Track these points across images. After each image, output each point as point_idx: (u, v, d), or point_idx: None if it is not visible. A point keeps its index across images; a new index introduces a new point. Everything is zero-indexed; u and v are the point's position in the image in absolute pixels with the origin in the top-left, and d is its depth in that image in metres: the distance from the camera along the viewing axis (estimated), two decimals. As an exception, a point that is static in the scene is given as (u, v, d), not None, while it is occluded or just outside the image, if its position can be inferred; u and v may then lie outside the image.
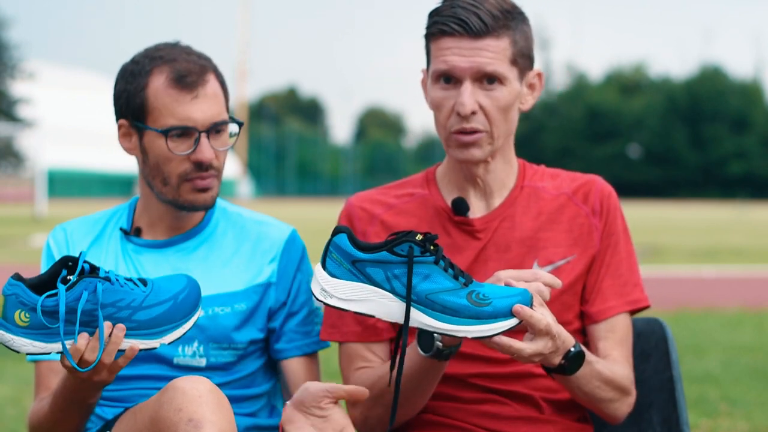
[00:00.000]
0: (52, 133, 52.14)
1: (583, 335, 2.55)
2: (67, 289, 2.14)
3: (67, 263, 2.18)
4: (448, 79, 2.43)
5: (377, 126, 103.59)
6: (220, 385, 2.54)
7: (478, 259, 2.51)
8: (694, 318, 9.72)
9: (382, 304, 2.13)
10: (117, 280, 2.19)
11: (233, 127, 2.61)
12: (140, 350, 2.19)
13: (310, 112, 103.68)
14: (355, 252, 2.12)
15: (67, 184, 57.24)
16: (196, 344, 2.56)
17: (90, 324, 2.16)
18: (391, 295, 2.12)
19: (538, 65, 2.53)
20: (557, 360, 2.25)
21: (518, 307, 2.12)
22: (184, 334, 2.22)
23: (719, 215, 43.82)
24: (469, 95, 2.41)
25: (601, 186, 2.57)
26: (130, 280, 2.21)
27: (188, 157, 2.53)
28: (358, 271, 2.12)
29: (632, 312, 2.56)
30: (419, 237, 2.12)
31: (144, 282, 2.21)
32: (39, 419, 2.48)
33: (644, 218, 35.75)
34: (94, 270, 2.18)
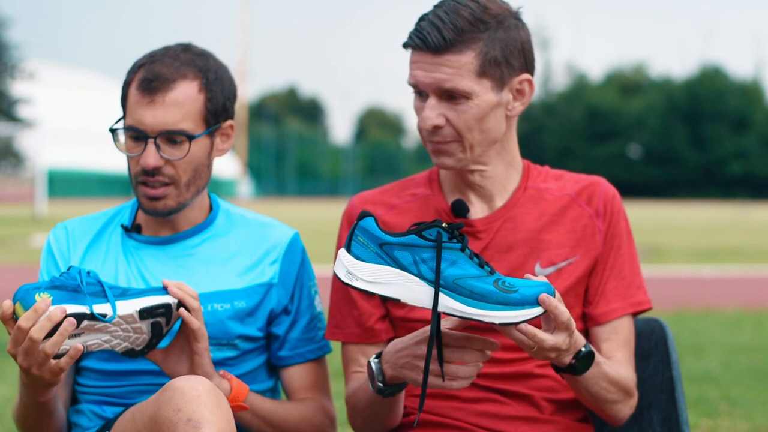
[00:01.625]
0: (52, 133, 52.12)
1: (586, 337, 2.55)
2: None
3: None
4: (418, 91, 2.44)
5: (377, 126, 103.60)
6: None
7: (478, 259, 2.50)
8: (694, 318, 9.71)
9: (409, 288, 2.11)
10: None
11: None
12: (158, 307, 2.30)
13: (310, 112, 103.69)
14: (383, 235, 2.11)
15: (67, 184, 57.22)
16: (191, 338, 2.57)
17: (100, 294, 2.27)
18: (418, 279, 2.11)
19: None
20: (568, 359, 2.26)
21: (545, 297, 2.11)
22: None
23: (719, 215, 43.81)
24: (430, 110, 2.41)
25: (605, 188, 2.57)
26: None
27: (135, 161, 2.56)
28: (385, 254, 2.11)
29: (635, 314, 2.57)
30: (445, 225, 2.12)
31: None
32: (18, 413, 2.53)
33: (644, 218, 35.75)
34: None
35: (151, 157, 2.52)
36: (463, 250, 2.12)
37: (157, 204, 2.56)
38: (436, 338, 2.16)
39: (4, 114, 54.08)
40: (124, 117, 2.58)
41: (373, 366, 2.28)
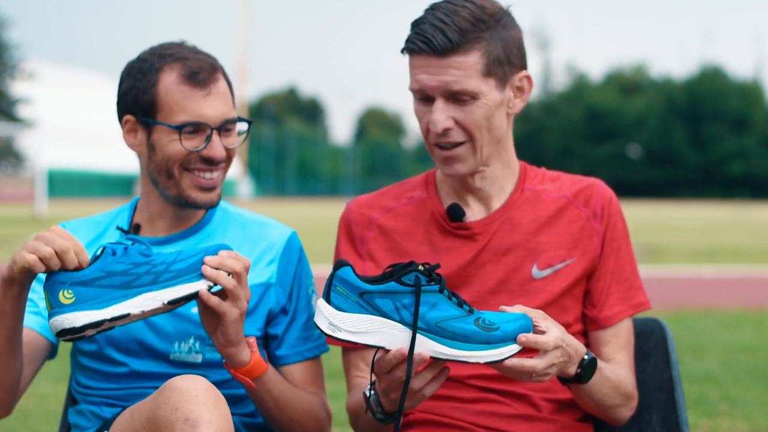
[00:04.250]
0: (52, 133, 52.11)
1: (584, 337, 2.56)
2: (95, 258, 2.22)
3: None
4: (422, 96, 2.43)
5: (377, 126, 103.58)
6: (217, 384, 2.54)
7: (475, 261, 2.51)
8: (694, 318, 9.71)
9: (392, 335, 2.13)
10: (144, 244, 2.27)
11: (242, 126, 2.64)
12: (188, 296, 2.23)
13: (310, 112, 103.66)
14: (363, 284, 2.12)
15: (67, 184, 57.18)
16: (192, 340, 2.56)
17: (131, 284, 2.21)
18: (400, 325, 2.13)
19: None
20: (573, 369, 2.28)
21: (522, 338, 2.14)
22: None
23: (719, 215, 43.80)
24: (440, 113, 2.40)
25: (603, 190, 2.57)
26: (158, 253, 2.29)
27: (199, 153, 2.55)
28: (366, 303, 2.13)
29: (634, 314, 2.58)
30: (421, 267, 2.13)
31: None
32: None
33: (644, 218, 35.75)
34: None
35: (219, 147, 2.55)
36: (441, 291, 2.14)
37: (213, 195, 2.60)
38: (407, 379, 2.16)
39: (4, 114, 54.09)
40: (154, 117, 2.55)
41: (371, 398, 2.28)
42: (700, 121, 73.77)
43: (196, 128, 2.55)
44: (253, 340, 2.40)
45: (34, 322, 2.54)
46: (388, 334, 2.13)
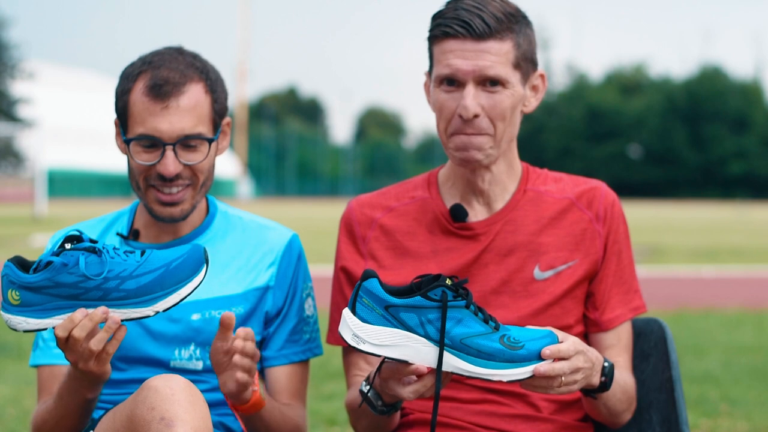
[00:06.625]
0: (52, 133, 52.09)
1: (584, 339, 2.56)
2: (46, 265, 2.15)
3: (72, 240, 2.20)
4: (452, 81, 2.43)
5: (377, 126, 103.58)
6: (218, 389, 2.53)
7: (477, 262, 2.51)
8: (694, 318, 9.71)
9: (417, 349, 2.12)
10: (107, 251, 2.18)
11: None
12: (134, 319, 2.18)
13: (310, 112, 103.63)
14: (389, 297, 2.11)
15: (67, 184, 57.19)
16: (192, 347, 2.55)
17: (79, 297, 2.16)
18: (425, 340, 2.12)
19: (538, 65, 2.53)
20: (597, 379, 2.28)
21: (546, 351, 2.13)
22: (182, 300, 2.20)
23: (719, 215, 43.79)
24: (471, 98, 2.41)
25: (606, 192, 2.57)
26: (128, 252, 2.20)
27: (155, 169, 2.51)
28: (391, 317, 2.11)
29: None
30: (449, 281, 2.12)
31: (143, 252, 2.21)
32: (43, 420, 2.47)
33: (644, 218, 35.73)
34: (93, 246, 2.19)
35: (171, 164, 2.49)
36: (468, 306, 2.12)
37: (174, 210, 2.54)
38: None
39: (4, 114, 54.04)
40: (125, 127, 2.53)
41: (370, 394, 2.28)
42: (700, 121, 73.76)
43: (153, 143, 2.50)
44: (255, 382, 2.38)
45: (61, 356, 2.57)
46: (412, 349, 2.12)
